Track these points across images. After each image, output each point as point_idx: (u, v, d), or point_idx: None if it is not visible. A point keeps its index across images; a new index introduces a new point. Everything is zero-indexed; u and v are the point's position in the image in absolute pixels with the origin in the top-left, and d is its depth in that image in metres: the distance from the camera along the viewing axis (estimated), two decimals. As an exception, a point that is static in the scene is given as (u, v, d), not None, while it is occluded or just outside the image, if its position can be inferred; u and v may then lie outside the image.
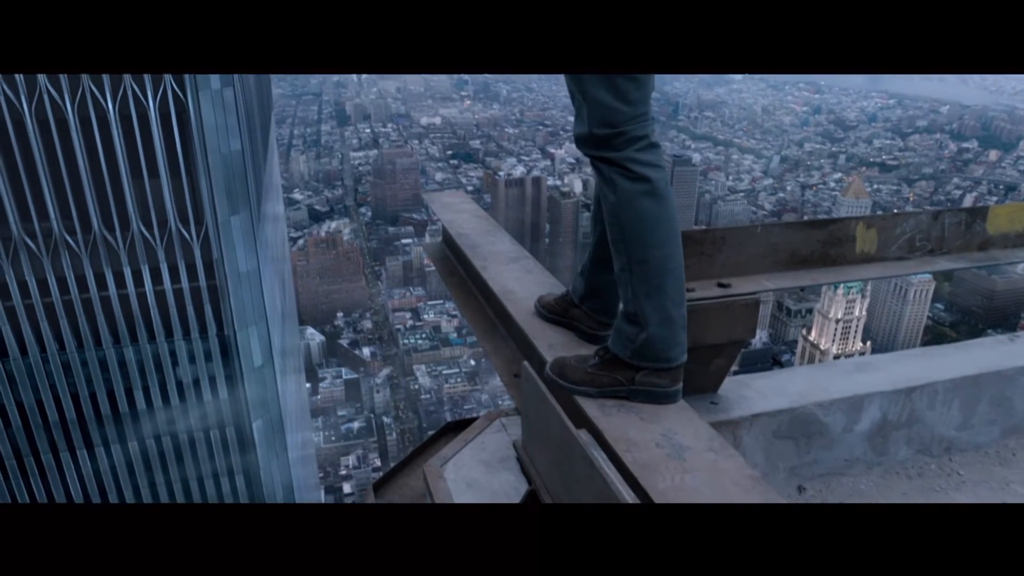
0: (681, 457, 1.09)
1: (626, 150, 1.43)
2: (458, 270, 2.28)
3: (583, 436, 1.10)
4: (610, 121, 1.42)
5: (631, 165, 1.42)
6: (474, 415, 1.69)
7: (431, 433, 1.77)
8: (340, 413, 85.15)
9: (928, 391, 1.65)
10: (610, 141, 1.44)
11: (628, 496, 0.99)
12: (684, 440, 1.12)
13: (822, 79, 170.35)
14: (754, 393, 1.60)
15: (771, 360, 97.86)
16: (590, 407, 1.19)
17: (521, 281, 1.86)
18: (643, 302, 1.41)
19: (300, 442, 33.37)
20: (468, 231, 2.32)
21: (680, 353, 1.43)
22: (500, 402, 74.18)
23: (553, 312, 1.68)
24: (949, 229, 1.71)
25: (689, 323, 1.42)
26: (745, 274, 1.51)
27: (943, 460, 1.72)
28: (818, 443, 1.61)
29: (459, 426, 1.65)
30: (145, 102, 18.54)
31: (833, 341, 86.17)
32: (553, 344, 1.46)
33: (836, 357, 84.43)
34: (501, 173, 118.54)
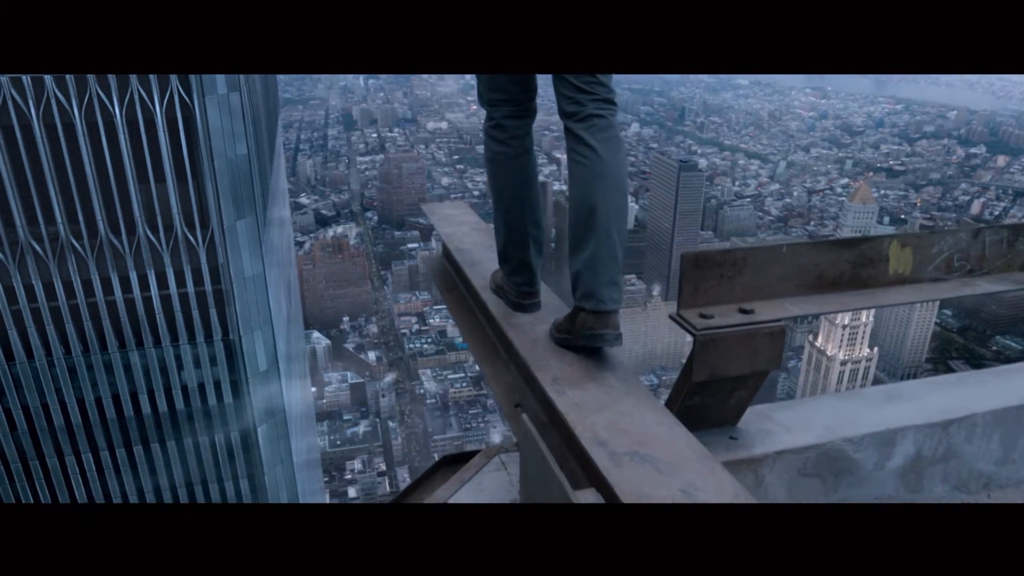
0: None
1: (487, 126, 1.89)
2: (458, 286, 2.16)
3: (589, 498, 0.98)
4: (480, 100, 1.88)
5: (487, 140, 1.89)
6: (474, 448, 1.56)
7: (446, 453, 1.66)
8: (345, 417, 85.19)
9: (967, 424, 1.52)
10: (486, 114, 1.88)
11: None
12: (706, 495, 1.00)
13: (828, 84, 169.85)
14: (777, 426, 1.47)
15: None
16: (601, 457, 1.07)
17: None
18: (495, 233, 1.89)
19: (305, 446, 33.33)
20: (468, 246, 2.20)
21: (521, 284, 1.83)
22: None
23: (561, 331, 1.64)
24: (990, 247, 1.58)
25: (709, 353, 1.30)
26: (768, 298, 1.38)
27: (981, 497, 1.59)
28: (847, 481, 1.48)
29: (456, 460, 1.52)
30: (152, 107, 18.57)
31: (840, 347, 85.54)
32: (558, 377, 1.33)
33: (843, 363, 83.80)
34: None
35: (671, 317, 1.35)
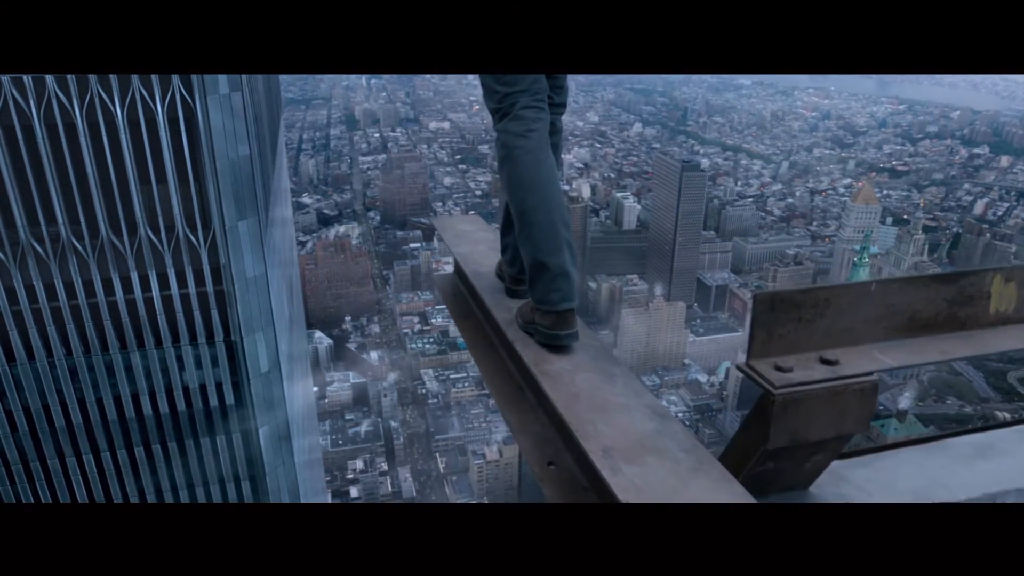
0: None
1: (500, 123, 1.81)
2: (474, 313, 1.94)
3: None
4: (491, 99, 1.82)
5: (501, 136, 1.79)
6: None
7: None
8: (347, 417, 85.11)
9: None
10: (494, 115, 1.83)
11: None
12: None
13: (831, 84, 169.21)
14: (855, 490, 1.27)
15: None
16: None
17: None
18: (520, 247, 1.73)
19: (307, 446, 33.20)
20: (487, 269, 1.97)
21: (560, 300, 1.61)
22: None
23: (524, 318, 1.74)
24: (1102, 282, 1.36)
25: (789, 416, 1.10)
26: (852, 343, 1.17)
27: None
28: None
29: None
30: (153, 107, 18.42)
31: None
32: (610, 448, 1.10)
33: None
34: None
35: (739, 368, 1.14)
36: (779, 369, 1.11)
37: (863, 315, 1.17)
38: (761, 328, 1.13)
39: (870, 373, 1.11)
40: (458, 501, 74.55)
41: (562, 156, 1.99)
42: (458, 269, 2.22)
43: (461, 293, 2.12)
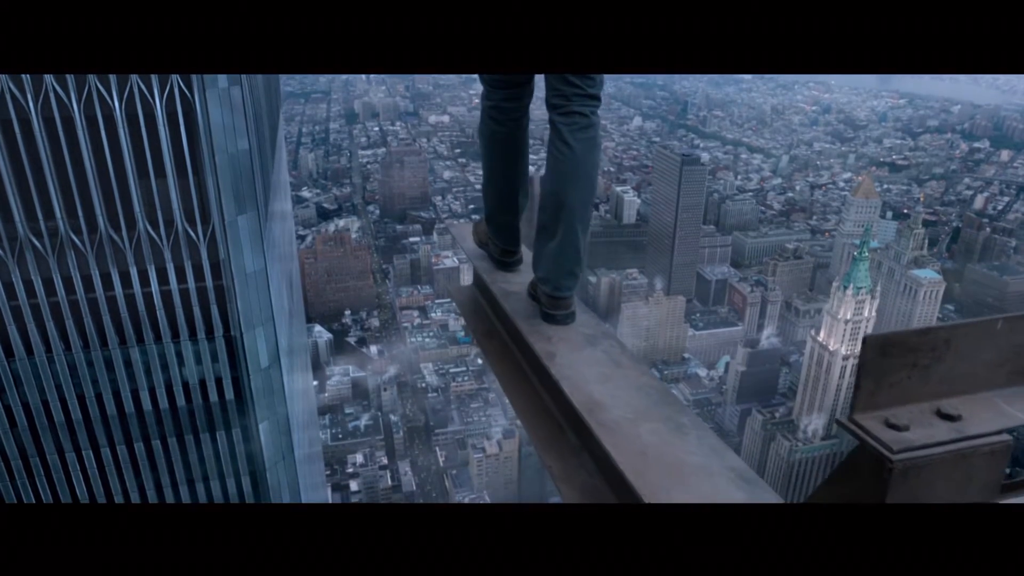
0: None
1: (483, 103, 2.06)
2: (499, 332, 1.76)
3: None
4: (482, 79, 2.05)
5: (483, 116, 2.07)
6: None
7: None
8: (347, 411, 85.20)
9: None
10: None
11: None
12: None
13: (832, 78, 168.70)
14: None
15: (779, 361, 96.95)
16: None
17: (611, 384, 1.27)
18: (484, 198, 2.12)
19: (307, 440, 33.17)
20: (516, 287, 1.78)
21: (507, 241, 2.08)
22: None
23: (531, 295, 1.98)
24: None
25: (909, 485, 0.93)
26: (972, 391, 1.00)
27: None
28: None
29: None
30: (152, 101, 18.21)
31: (842, 342, 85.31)
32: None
33: (845, 358, 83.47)
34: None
35: (842, 425, 0.97)
36: (892, 426, 0.94)
37: (984, 358, 1.00)
38: (869, 377, 0.95)
39: (999, 432, 0.94)
40: (458, 494, 74.69)
41: (602, 152, 2.00)
42: (478, 281, 2.06)
43: (483, 309, 1.94)
